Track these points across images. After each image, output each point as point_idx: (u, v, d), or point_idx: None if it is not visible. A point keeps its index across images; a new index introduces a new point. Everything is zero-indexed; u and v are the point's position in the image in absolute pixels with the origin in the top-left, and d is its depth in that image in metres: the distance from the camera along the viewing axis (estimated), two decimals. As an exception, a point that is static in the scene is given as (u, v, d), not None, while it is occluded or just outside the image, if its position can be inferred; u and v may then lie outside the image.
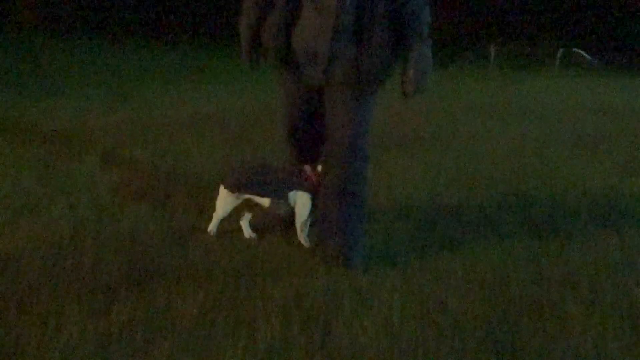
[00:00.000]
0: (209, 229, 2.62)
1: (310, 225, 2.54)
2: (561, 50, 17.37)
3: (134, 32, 24.25)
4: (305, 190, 2.43)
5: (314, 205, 2.46)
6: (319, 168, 2.45)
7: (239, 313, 1.94)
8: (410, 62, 2.19)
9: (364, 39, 2.14)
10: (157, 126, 5.37)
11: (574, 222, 3.00)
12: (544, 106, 8.20)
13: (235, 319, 1.90)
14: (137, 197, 3.14)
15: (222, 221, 2.63)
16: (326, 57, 2.19)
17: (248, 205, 2.60)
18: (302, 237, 2.51)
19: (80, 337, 1.76)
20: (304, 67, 2.27)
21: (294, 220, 2.52)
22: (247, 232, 2.61)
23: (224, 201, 2.54)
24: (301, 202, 2.45)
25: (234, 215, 2.62)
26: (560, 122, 6.68)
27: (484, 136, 5.57)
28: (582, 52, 17.68)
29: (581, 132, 5.93)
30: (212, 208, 2.62)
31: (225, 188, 2.51)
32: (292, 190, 2.44)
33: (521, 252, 2.57)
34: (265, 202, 2.51)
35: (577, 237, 2.78)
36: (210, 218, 2.65)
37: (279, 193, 2.45)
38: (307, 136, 2.48)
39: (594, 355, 1.77)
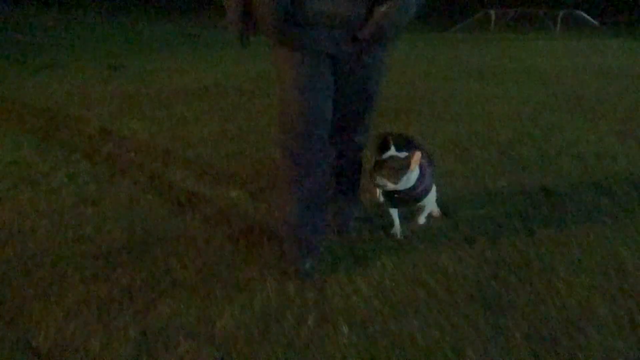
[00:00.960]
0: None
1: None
2: (562, 12, 17.15)
3: (127, 3, 23.91)
4: None
5: None
6: None
7: (236, 276, 2.00)
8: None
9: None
10: (154, 97, 5.38)
11: (566, 185, 3.03)
12: (543, 69, 8.14)
13: (233, 282, 1.96)
14: (135, 167, 3.18)
15: (217, 190, 2.66)
16: (348, 19, 1.83)
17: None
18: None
19: (83, 300, 1.84)
20: (320, 35, 1.88)
21: None
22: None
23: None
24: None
25: (231, 183, 2.66)
26: (558, 84, 6.64)
27: (481, 100, 5.56)
28: (584, 14, 17.44)
29: (579, 95, 5.90)
30: (210, 177, 2.65)
31: None
32: None
33: (513, 214, 2.61)
34: None
35: (568, 199, 2.81)
36: (208, 185, 2.69)
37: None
38: (321, 116, 1.99)
39: (578, 313, 1.82)
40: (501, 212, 2.63)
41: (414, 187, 2.11)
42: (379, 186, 2.14)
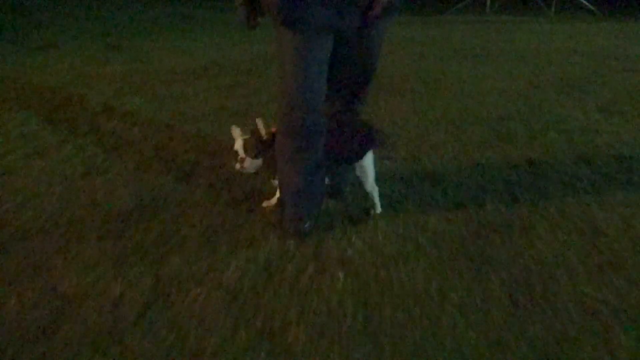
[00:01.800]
0: None
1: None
2: (557, -5, 17.19)
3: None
4: None
5: None
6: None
7: (240, 235, 2.18)
8: None
9: None
10: (154, 75, 5.49)
11: (550, 157, 3.19)
12: (535, 50, 8.27)
13: (237, 239, 2.14)
14: (140, 140, 3.33)
15: (223, 158, 2.82)
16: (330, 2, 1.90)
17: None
18: None
19: (100, 255, 2.00)
20: (324, 15, 1.93)
21: None
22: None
23: None
24: None
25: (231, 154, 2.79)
26: (549, 65, 6.79)
27: (472, 79, 5.71)
28: (579, -2, 17.47)
29: (568, 75, 6.05)
30: (211, 148, 2.79)
31: None
32: None
33: (498, 182, 2.78)
34: None
35: (550, 169, 2.99)
36: (210, 156, 2.84)
37: None
38: (319, 96, 2.11)
39: (553, 264, 2.01)
40: (487, 180, 2.80)
41: None
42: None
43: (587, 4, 17.38)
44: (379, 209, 2.39)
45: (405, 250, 2.07)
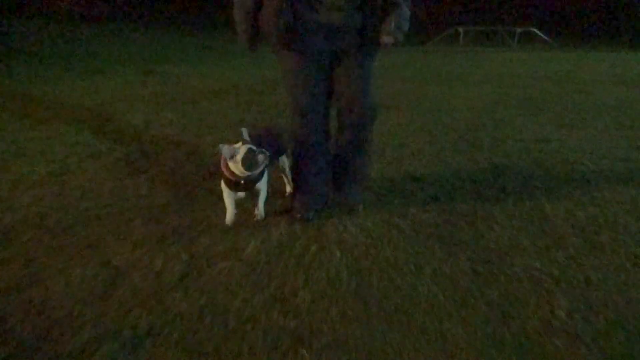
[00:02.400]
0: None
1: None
2: (519, 30, 17.33)
3: (154, 19, 24.04)
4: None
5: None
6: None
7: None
8: (392, 15, 2.03)
9: (366, 11, 2.03)
10: (183, 95, 5.60)
11: (509, 161, 3.29)
12: (499, 74, 8.38)
13: (254, 224, 2.24)
14: (174, 146, 3.44)
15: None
16: (341, 29, 2.05)
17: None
18: None
19: (145, 236, 2.10)
20: (317, 40, 2.06)
21: None
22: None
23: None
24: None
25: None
26: (511, 86, 6.90)
27: (447, 98, 5.82)
28: (537, 32, 17.61)
29: (527, 95, 6.16)
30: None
31: None
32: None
33: (466, 180, 2.88)
34: None
35: (509, 170, 3.09)
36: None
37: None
38: (321, 107, 2.22)
39: (508, 245, 2.10)
40: (457, 179, 2.90)
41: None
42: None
43: (544, 36, 17.51)
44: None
45: (390, 234, 2.17)
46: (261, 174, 2.18)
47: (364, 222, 2.28)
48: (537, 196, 2.67)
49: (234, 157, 2.06)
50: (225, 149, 2.06)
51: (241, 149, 2.06)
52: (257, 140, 2.18)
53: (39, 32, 14.90)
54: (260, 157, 2.06)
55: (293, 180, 2.43)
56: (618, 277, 1.85)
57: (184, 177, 2.83)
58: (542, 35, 17.60)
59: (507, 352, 1.43)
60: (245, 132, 2.24)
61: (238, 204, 2.29)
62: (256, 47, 2.17)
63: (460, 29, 17.75)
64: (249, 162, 2.05)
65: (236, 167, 2.08)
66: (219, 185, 2.23)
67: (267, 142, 2.22)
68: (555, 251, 2.04)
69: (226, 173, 2.12)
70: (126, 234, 2.11)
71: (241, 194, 2.24)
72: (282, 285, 1.76)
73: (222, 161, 2.14)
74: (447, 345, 1.45)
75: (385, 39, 2.06)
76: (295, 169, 2.37)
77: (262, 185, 2.23)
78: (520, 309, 1.64)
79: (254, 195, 2.27)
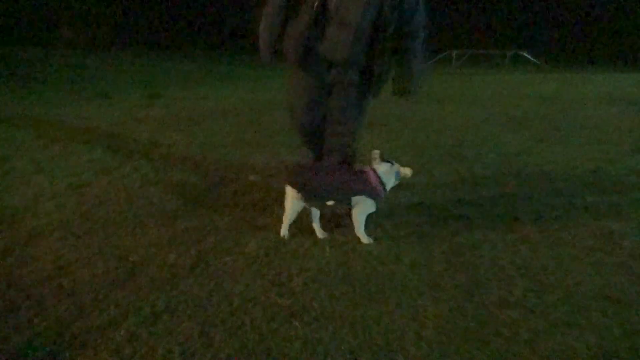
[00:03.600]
0: (281, 234, 2.37)
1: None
2: (510, 53, 17.92)
3: (156, 44, 24.70)
4: (368, 196, 2.30)
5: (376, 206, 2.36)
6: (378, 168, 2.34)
7: (256, 222, 2.55)
8: (404, 66, 2.34)
9: (375, 49, 2.26)
10: (187, 117, 5.93)
11: (489, 172, 3.59)
12: (488, 95, 8.77)
13: (255, 226, 2.51)
14: (181, 162, 3.73)
15: (241, 175, 3.20)
16: (344, 62, 2.30)
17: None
18: (360, 233, 2.34)
19: (157, 237, 2.37)
20: (325, 68, 2.33)
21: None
22: (320, 232, 2.39)
23: (293, 204, 2.32)
24: (364, 205, 2.31)
25: (249, 171, 3.19)
26: (498, 106, 7.26)
27: (436, 116, 6.16)
28: (527, 54, 18.20)
29: (512, 113, 6.51)
30: (234, 167, 3.18)
31: (293, 190, 2.28)
32: (356, 194, 2.29)
33: (446, 187, 3.17)
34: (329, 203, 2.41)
35: (488, 180, 3.38)
36: (234, 172, 3.23)
37: (344, 197, 2.31)
38: (317, 125, 2.48)
39: (481, 240, 2.36)
40: (439, 186, 3.20)
41: None
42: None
43: (533, 59, 18.08)
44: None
45: (375, 232, 2.44)
46: None
47: (351, 222, 2.52)
48: (511, 201, 2.95)
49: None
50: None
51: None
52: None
53: (44, 59, 15.41)
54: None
55: None
56: (571, 265, 2.12)
57: (190, 188, 3.12)
58: (532, 58, 18.17)
59: (468, 320, 1.69)
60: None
61: (234, 203, 2.57)
62: (275, 62, 2.44)
63: (454, 52, 18.33)
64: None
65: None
66: (224, 194, 2.51)
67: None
68: (520, 245, 2.32)
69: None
70: (141, 235, 2.39)
71: None
72: (278, 273, 2.02)
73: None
74: (418, 316, 1.72)
75: (397, 87, 2.43)
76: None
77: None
78: (483, 289, 1.91)
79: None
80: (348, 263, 2.12)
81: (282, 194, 2.63)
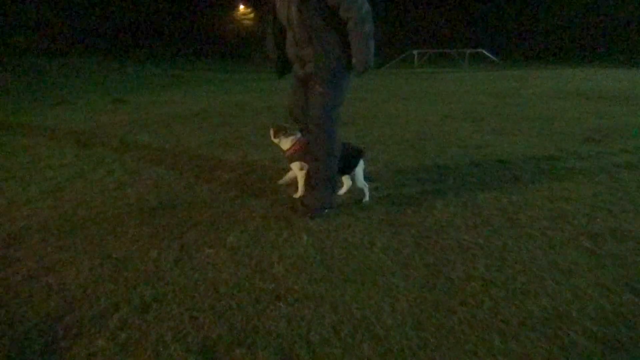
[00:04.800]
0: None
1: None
2: (469, 51, 18.54)
3: (118, 50, 24.21)
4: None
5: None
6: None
7: (236, 217, 2.65)
8: (353, 47, 2.41)
9: (314, 44, 2.47)
10: (156, 120, 5.95)
11: (452, 163, 3.80)
12: (450, 92, 9.12)
13: (234, 220, 2.61)
14: (155, 164, 3.78)
15: (213, 175, 3.29)
16: (296, 59, 2.63)
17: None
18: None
19: (139, 234, 2.44)
20: (299, 66, 2.67)
21: None
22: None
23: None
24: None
25: (221, 171, 3.27)
26: (459, 102, 7.58)
27: (401, 113, 6.39)
28: (486, 52, 18.88)
29: (472, 109, 6.82)
30: (207, 167, 3.26)
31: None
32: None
33: (412, 179, 3.36)
34: None
35: (451, 170, 3.59)
36: (207, 172, 3.31)
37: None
38: (301, 110, 2.80)
39: (446, 225, 2.55)
40: (406, 177, 3.38)
41: None
42: None
43: (492, 56, 18.78)
44: (367, 198, 2.89)
45: (348, 220, 2.59)
46: None
47: (326, 213, 2.70)
48: (472, 189, 3.16)
49: None
50: None
51: None
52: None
53: (-1, 66, 14.89)
54: None
55: (314, 176, 2.74)
56: (528, 243, 2.33)
57: (167, 187, 3.19)
58: (490, 55, 18.86)
59: (436, 293, 1.86)
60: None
61: (211, 200, 2.66)
62: (284, 72, 2.84)
63: (415, 52, 18.82)
64: None
65: None
66: (201, 192, 2.60)
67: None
68: (482, 227, 2.52)
69: None
70: (122, 234, 2.46)
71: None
72: (260, 262, 2.14)
73: None
74: (392, 292, 1.87)
75: (356, 66, 2.45)
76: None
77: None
78: (449, 267, 2.08)
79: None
80: (325, 250, 2.26)
81: (259, 190, 2.76)
